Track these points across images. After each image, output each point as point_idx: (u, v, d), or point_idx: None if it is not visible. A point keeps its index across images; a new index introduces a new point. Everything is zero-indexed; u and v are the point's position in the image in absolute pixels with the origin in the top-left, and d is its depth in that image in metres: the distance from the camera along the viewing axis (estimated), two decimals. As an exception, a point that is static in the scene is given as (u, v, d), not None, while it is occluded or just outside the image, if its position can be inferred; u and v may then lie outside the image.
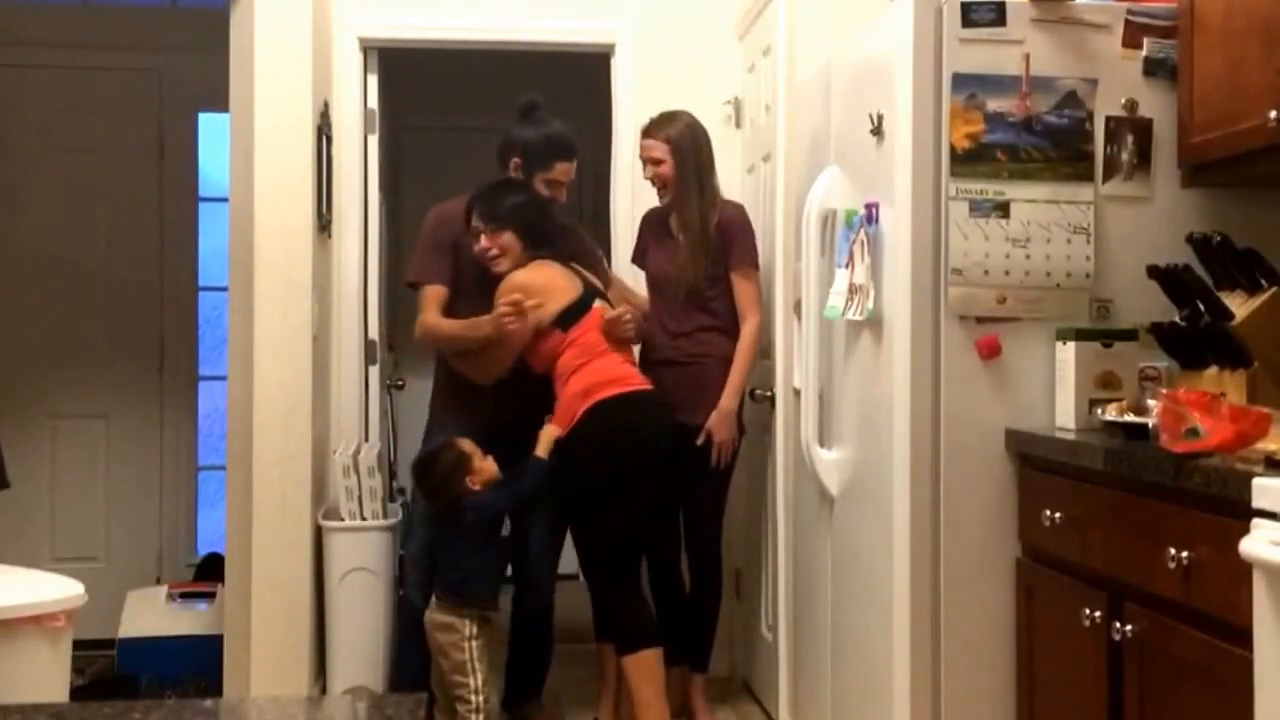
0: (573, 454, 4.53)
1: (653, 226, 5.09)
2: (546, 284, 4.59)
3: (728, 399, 4.79)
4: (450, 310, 4.72)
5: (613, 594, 4.61)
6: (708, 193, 4.91)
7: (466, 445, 4.48)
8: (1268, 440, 2.64)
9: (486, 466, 4.47)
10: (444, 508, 4.50)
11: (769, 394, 4.93)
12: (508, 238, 4.59)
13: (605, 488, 4.51)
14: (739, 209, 5.00)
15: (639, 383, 4.59)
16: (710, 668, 5.11)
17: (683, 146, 4.90)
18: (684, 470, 4.75)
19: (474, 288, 4.70)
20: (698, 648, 5.05)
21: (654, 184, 4.95)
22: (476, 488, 4.45)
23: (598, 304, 4.64)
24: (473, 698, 4.36)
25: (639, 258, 5.15)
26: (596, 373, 4.53)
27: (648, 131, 4.97)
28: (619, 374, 4.56)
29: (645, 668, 4.50)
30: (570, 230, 5.05)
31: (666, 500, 4.76)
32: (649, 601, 4.69)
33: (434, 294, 4.74)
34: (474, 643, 4.39)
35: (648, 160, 4.94)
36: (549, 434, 4.51)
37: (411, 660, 4.72)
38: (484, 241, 4.60)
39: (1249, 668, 2.37)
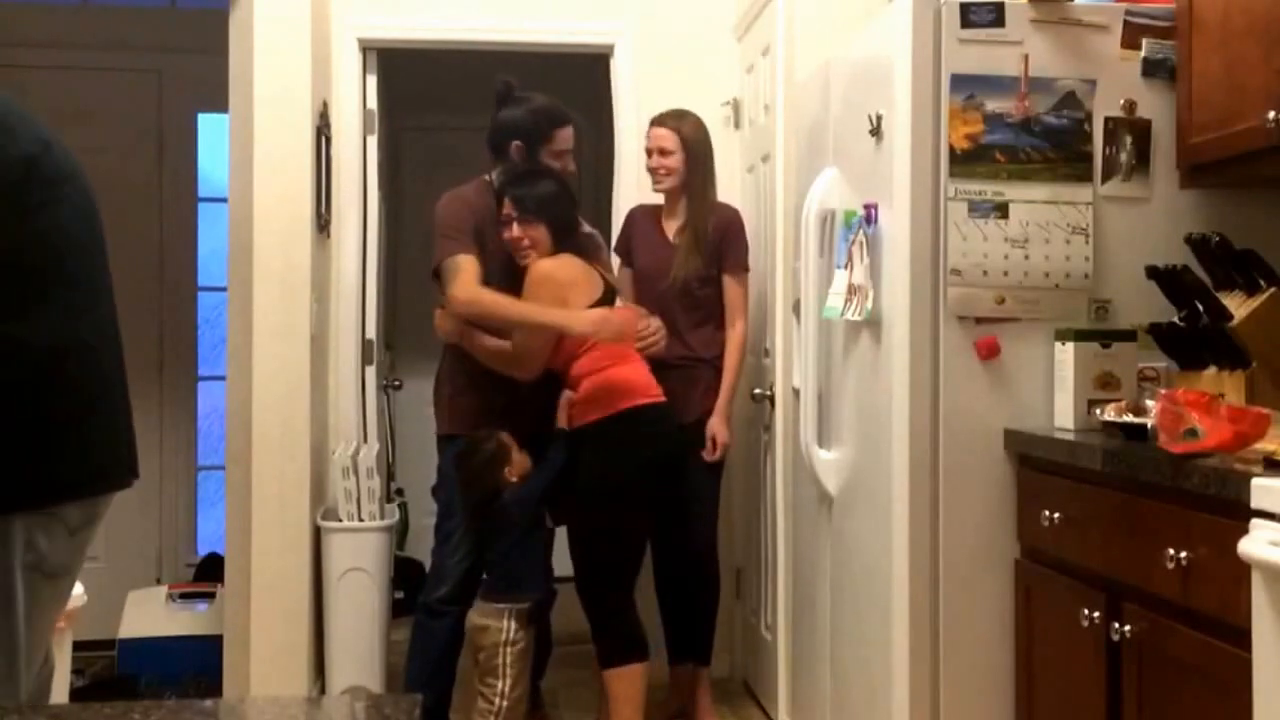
0: (584, 457, 4.44)
1: (640, 224, 5.08)
2: (573, 279, 4.47)
3: (724, 402, 4.86)
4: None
5: (604, 603, 4.47)
6: (710, 193, 4.94)
7: (506, 437, 4.43)
8: (1266, 441, 2.64)
9: (522, 460, 4.42)
10: (478, 499, 4.46)
11: (768, 394, 4.94)
12: (541, 231, 4.45)
13: (612, 496, 4.43)
14: (735, 211, 5.03)
15: (657, 394, 4.50)
16: (709, 665, 5.09)
17: (693, 144, 4.93)
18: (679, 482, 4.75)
19: (501, 281, 4.56)
20: (700, 642, 5.03)
21: (657, 173, 4.93)
22: (514, 480, 4.41)
23: (619, 303, 4.60)
24: (496, 700, 4.33)
25: (623, 253, 5.14)
26: (617, 378, 4.43)
27: (660, 121, 4.97)
28: (641, 382, 4.48)
29: (627, 684, 4.43)
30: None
31: (670, 506, 4.72)
32: (638, 615, 4.55)
33: (468, 262, 4.51)
34: (510, 648, 4.33)
35: (656, 150, 4.92)
36: (564, 406, 4.45)
37: (424, 671, 4.65)
38: (516, 231, 4.45)
39: (1247, 668, 2.37)
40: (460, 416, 4.66)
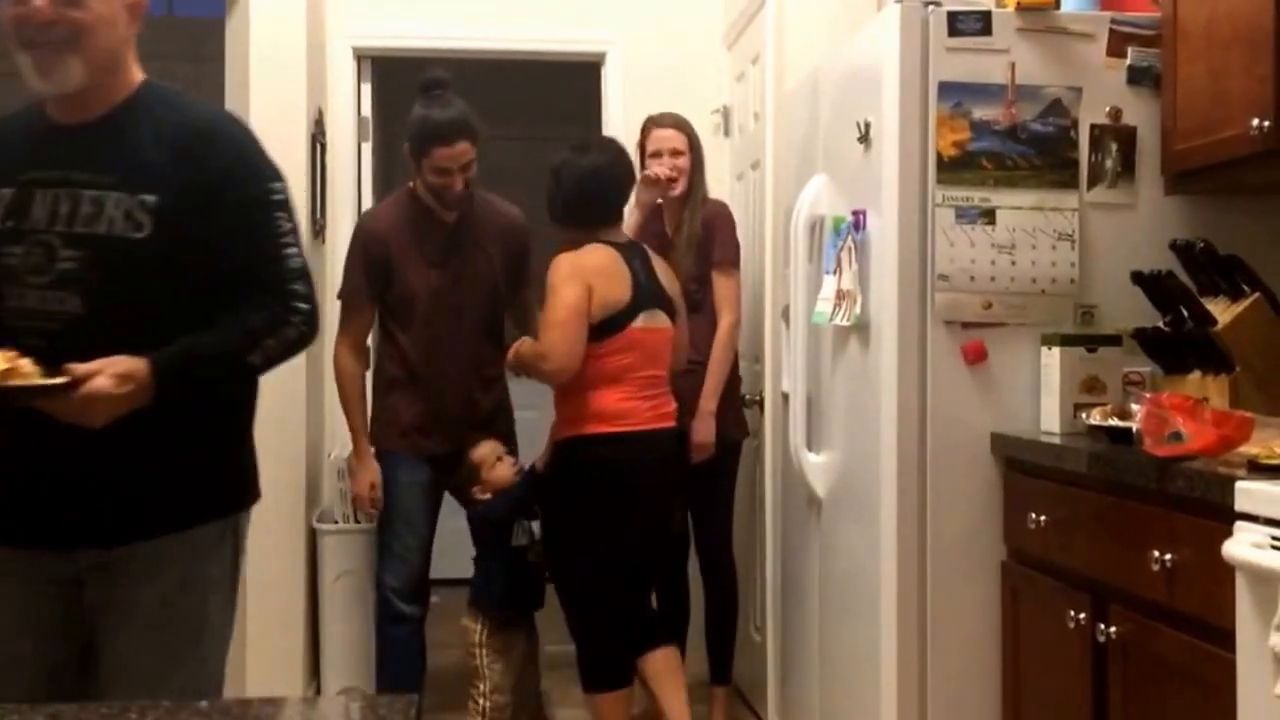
0: (545, 485, 4.33)
1: (650, 228, 4.92)
2: (597, 266, 4.18)
3: (707, 401, 4.67)
4: (390, 339, 4.69)
5: (582, 628, 4.32)
6: (704, 191, 4.90)
7: (479, 454, 4.43)
8: (1250, 444, 2.66)
9: (497, 475, 4.41)
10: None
11: (758, 398, 4.96)
12: (565, 231, 4.30)
13: (567, 523, 4.27)
14: (723, 206, 4.97)
15: (641, 421, 4.18)
16: (729, 684, 5.07)
17: (697, 145, 4.88)
18: (690, 482, 4.69)
19: (429, 306, 4.62)
20: (719, 659, 4.97)
21: (666, 177, 4.74)
22: (485, 497, 4.42)
23: (639, 321, 4.20)
24: (480, 700, 4.38)
25: None
26: (595, 401, 4.14)
27: (666, 122, 4.88)
28: (619, 410, 4.15)
29: (609, 708, 4.28)
30: None
31: (659, 527, 4.45)
32: (619, 639, 4.34)
33: (350, 325, 4.71)
34: (482, 649, 4.38)
35: (669, 151, 4.79)
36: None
37: (392, 678, 4.70)
38: None
39: (1231, 669, 2.39)
40: (378, 430, 4.75)
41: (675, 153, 4.81)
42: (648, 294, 4.25)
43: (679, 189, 4.81)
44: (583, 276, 4.13)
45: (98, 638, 2.60)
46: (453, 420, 4.63)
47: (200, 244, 2.56)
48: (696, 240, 4.78)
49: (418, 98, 4.65)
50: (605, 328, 4.14)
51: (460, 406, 4.63)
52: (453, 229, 4.68)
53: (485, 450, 4.45)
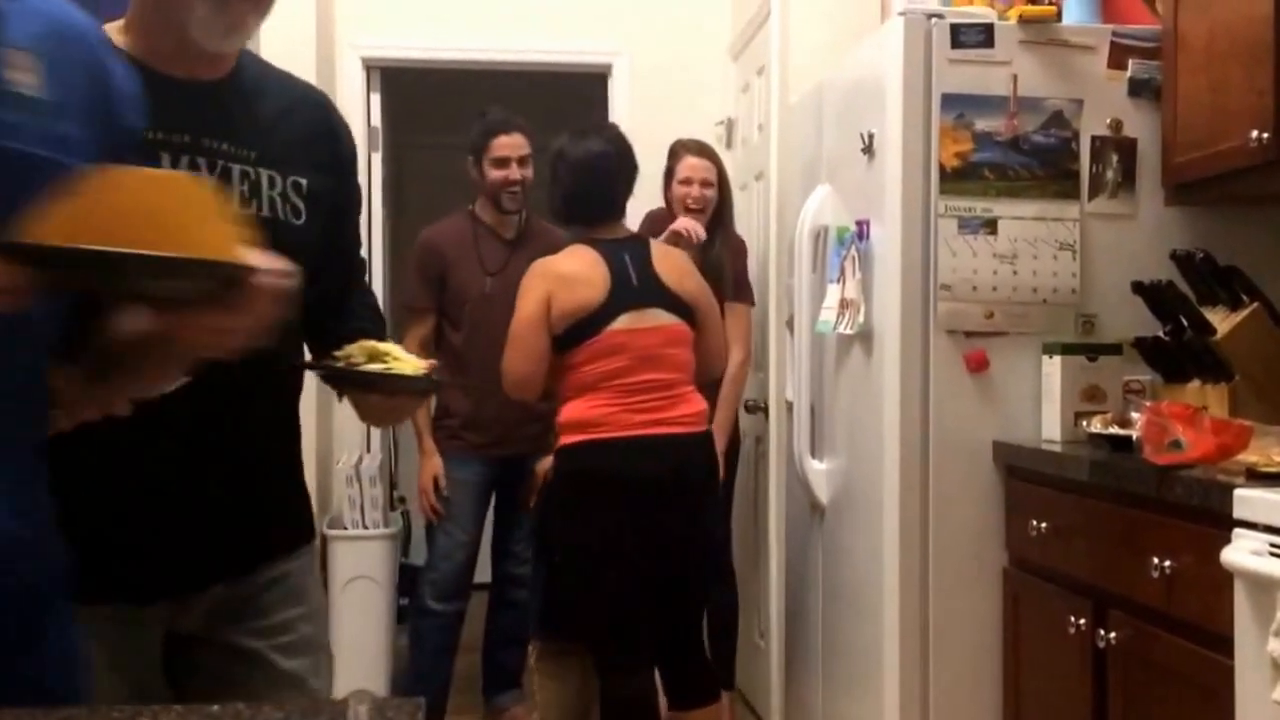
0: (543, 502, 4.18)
1: (655, 229, 4.69)
2: (557, 282, 3.88)
3: (718, 439, 4.31)
4: (443, 340, 4.76)
5: (599, 665, 3.96)
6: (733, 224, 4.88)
7: (540, 466, 4.44)
8: (1248, 452, 2.67)
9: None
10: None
11: (762, 405, 4.98)
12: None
13: (564, 553, 3.99)
14: (741, 241, 4.93)
15: (622, 428, 3.81)
16: (733, 690, 5.06)
17: (725, 175, 4.81)
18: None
19: (478, 323, 4.66)
20: (722, 665, 4.80)
21: (692, 207, 4.63)
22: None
23: (621, 323, 3.84)
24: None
25: None
26: (567, 413, 3.86)
27: (697, 150, 4.77)
28: (592, 418, 3.82)
29: None
30: None
31: (665, 539, 3.91)
32: (647, 681, 3.97)
33: (414, 329, 4.75)
34: (534, 673, 4.36)
35: (699, 181, 4.69)
36: None
37: (417, 670, 4.82)
38: None
39: (1230, 675, 2.41)
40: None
41: (705, 184, 4.70)
42: (636, 293, 3.89)
43: (705, 220, 4.64)
44: (544, 286, 3.86)
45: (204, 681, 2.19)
46: (500, 422, 4.69)
47: (335, 232, 2.29)
48: (719, 273, 4.56)
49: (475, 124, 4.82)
50: (573, 335, 3.84)
51: (506, 410, 4.60)
52: (511, 245, 4.79)
53: (547, 462, 4.43)
